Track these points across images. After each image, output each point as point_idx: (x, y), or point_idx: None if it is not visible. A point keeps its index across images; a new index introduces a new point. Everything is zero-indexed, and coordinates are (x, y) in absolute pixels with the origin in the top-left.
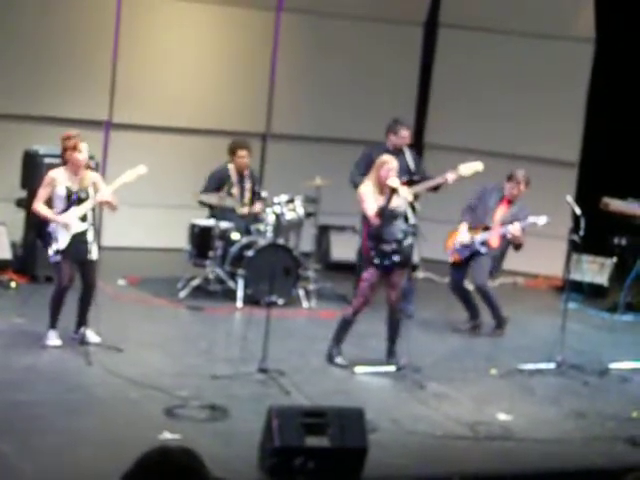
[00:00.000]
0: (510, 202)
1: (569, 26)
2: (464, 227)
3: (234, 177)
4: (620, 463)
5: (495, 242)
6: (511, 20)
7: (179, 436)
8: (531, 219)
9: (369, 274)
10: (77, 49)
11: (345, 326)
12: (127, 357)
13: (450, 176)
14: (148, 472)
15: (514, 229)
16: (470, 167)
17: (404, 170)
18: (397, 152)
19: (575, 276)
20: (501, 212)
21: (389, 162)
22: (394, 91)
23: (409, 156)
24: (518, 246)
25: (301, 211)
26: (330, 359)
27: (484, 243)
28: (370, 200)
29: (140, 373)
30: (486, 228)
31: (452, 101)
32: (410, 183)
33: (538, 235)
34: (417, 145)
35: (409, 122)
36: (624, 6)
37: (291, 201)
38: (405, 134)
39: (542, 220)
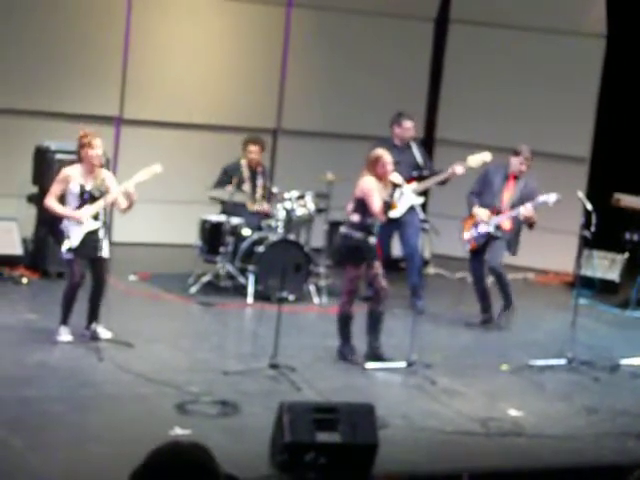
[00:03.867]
0: (516, 178)
1: (580, 22)
2: (479, 209)
3: (246, 172)
4: (631, 459)
5: (508, 225)
6: (522, 16)
7: (190, 432)
8: (541, 198)
9: (357, 270)
10: (88, 45)
11: (348, 322)
12: (138, 353)
13: (458, 169)
14: (159, 468)
15: (526, 211)
16: (478, 158)
17: (412, 165)
18: (404, 147)
19: (586, 272)
20: (509, 192)
21: (383, 156)
22: (405, 87)
23: (417, 151)
24: (531, 225)
25: (312, 207)
26: (343, 358)
27: (498, 227)
28: (377, 195)
29: (151, 369)
30: (497, 212)
31: (463, 97)
32: (420, 178)
33: (549, 231)
34: (428, 141)
35: (420, 117)
36: (635, 2)
37: (302, 197)
38: (408, 125)
39: (552, 198)
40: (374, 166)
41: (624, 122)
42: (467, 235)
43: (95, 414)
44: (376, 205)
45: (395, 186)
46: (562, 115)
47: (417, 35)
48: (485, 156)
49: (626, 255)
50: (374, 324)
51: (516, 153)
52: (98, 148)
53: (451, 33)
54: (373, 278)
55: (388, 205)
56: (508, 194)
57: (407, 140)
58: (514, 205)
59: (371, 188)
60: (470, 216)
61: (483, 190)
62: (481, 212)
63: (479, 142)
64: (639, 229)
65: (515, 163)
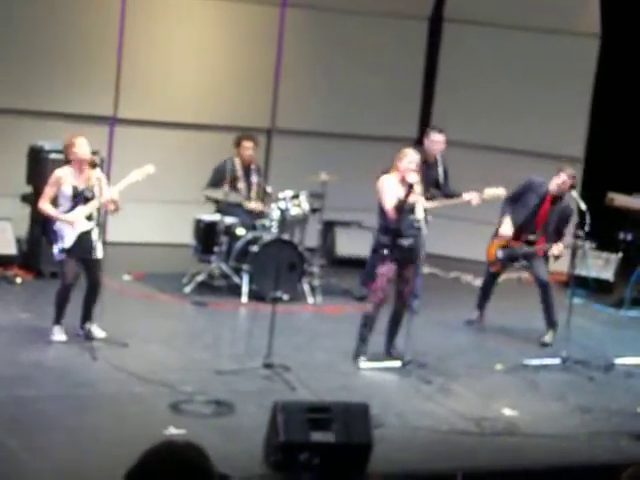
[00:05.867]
0: (553, 201)
1: (574, 21)
2: (508, 220)
3: (240, 171)
4: (625, 458)
5: (540, 253)
6: (516, 15)
7: (184, 431)
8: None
9: (386, 269)
10: (82, 45)
11: (367, 323)
12: (132, 352)
13: (474, 200)
14: (153, 467)
15: (557, 250)
16: (493, 193)
17: (432, 182)
18: (432, 163)
19: (580, 271)
20: (543, 215)
21: (409, 154)
22: (399, 86)
23: (441, 169)
24: (557, 258)
25: (306, 207)
26: (354, 358)
27: (527, 256)
28: (389, 193)
29: (145, 368)
30: (528, 242)
31: (457, 96)
32: (430, 199)
33: None
34: (422, 140)
35: (414, 117)
36: (629, 1)
37: (296, 196)
38: (436, 138)
39: (587, 245)
40: (399, 160)
41: (618, 122)
42: (493, 256)
43: (90, 414)
44: (386, 202)
45: (410, 186)
46: (556, 115)
47: (411, 34)
48: (500, 192)
49: (620, 255)
50: (390, 326)
51: (557, 173)
52: (83, 144)
53: (445, 32)
54: (402, 284)
55: (401, 203)
56: (543, 217)
57: (435, 154)
58: (547, 230)
59: (381, 187)
60: (499, 236)
61: (519, 200)
62: (506, 227)
63: (473, 141)
64: (633, 229)
65: (552, 183)
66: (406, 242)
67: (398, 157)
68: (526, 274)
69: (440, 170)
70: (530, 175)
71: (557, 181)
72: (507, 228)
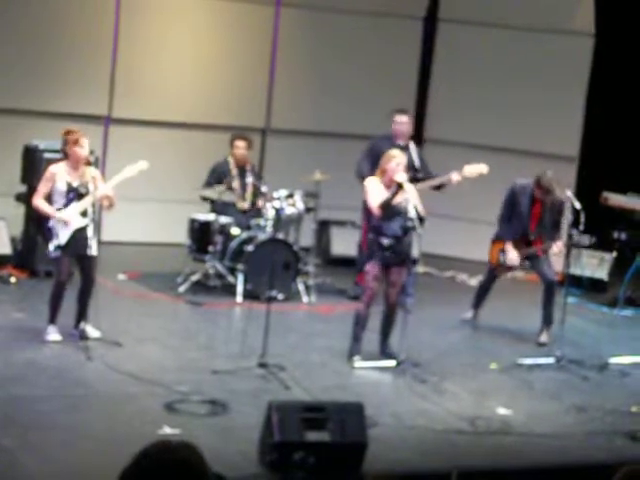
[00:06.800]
0: (543, 204)
1: (569, 20)
2: (510, 246)
3: (234, 171)
4: (619, 457)
5: (539, 253)
6: (510, 15)
7: (179, 431)
8: (576, 239)
9: (371, 266)
10: (77, 44)
11: (359, 322)
12: (127, 352)
13: (455, 177)
14: (148, 467)
15: (557, 248)
16: (475, 169)
17: (408, 166)
18: (403, 147)
19: (575, 270)
20: (536, 217)
21: (397, 156)
22: (394, 86)
23: (414, 153)
24: (558, 254)
25: (301, 206)
26: (349, 357)
27: (529, 257)
28: (374, 192)
29: (140, 368)
30: (528, 243)
31: (451, 96)
32: (413, 180)
33: None
34: (416, 140)
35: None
36: (623, 0)
37: (291, 196)
38: (400, 119)
39: (585, 241)
40: (386, 162)
41: (613, 121)
42: (496, 260)
43: (84, 413)
44: (370, 201)
45: (399, 186)
46: (551, 114)
47: (406, 34)
48: (482, 168)
49: (614, 254)
50: (382, 326)
51: (538, 185)
52: (86, 147)
53: (440, 32)
54: (388, 286)
55: (387, 202)
56: (536, 216)
57: (404, 136)
58: (544, 227)
59: (370, 185)
60: (500, 241)
61: (512, 214)
62: (512, 255)
63: (468, 141)
64: (627, 228)
65: (538, 193)
66: (386, 241)
67: (385, 160)
68: (520, 273)
69: (414, 154)
70: (513, 182)
71: (539, 192)
72: (514, 256)
